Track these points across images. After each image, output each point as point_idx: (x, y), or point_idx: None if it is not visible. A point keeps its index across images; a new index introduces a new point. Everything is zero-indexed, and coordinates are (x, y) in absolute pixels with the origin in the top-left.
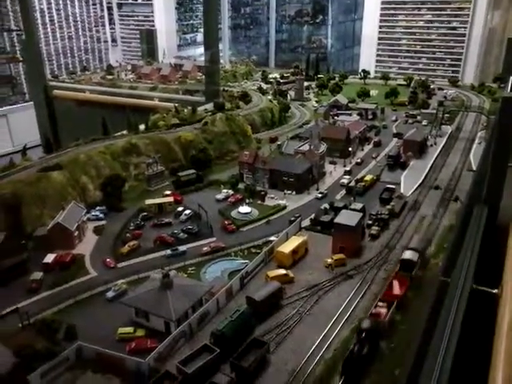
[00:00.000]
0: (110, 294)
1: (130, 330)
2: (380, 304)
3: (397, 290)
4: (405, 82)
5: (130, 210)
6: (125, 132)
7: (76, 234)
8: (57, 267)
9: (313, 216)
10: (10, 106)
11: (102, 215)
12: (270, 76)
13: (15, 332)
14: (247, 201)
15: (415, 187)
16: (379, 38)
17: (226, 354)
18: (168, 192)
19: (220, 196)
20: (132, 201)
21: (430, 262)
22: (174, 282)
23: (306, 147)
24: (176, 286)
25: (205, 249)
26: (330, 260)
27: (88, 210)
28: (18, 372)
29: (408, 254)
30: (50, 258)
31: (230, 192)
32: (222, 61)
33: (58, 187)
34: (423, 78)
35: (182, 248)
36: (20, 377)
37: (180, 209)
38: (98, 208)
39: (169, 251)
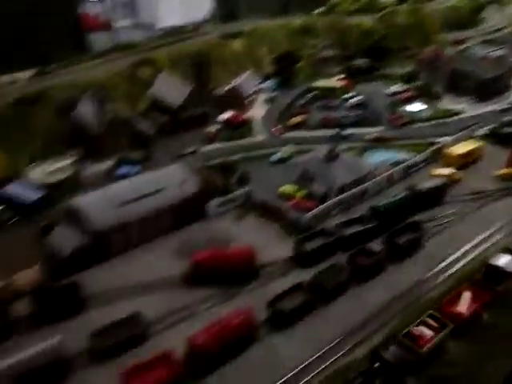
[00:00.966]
0: (275, 157)
1: (292, 189)
2: (430, 321)
3: (463, 306)
4: None
5: (300, 88)
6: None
7: (249, 99)
8: (230, 125)
9: (492, 126)
10: None
11: (273, 88)
12: None
13: (198, 169)
14: (420, 99)
15: None
16: None
17: (381, 229)
18: (339, 77)
19: (391, 90)
20: (303, 79)
21: None
22: (340, 156)
23: (498, 53)
24: (340, 160)
25: (369, 136)
26: (502, 171)
27: (261, 81)
28: (200, 199)
29: (502, 260)
30: (224, 115)
31: (404, 87)
32: None
33: (236, 55)
34: None
35: (345, 132)
36: (201, 203)
37: (349, 95)
38: (270, 80)
39: (333, 133)
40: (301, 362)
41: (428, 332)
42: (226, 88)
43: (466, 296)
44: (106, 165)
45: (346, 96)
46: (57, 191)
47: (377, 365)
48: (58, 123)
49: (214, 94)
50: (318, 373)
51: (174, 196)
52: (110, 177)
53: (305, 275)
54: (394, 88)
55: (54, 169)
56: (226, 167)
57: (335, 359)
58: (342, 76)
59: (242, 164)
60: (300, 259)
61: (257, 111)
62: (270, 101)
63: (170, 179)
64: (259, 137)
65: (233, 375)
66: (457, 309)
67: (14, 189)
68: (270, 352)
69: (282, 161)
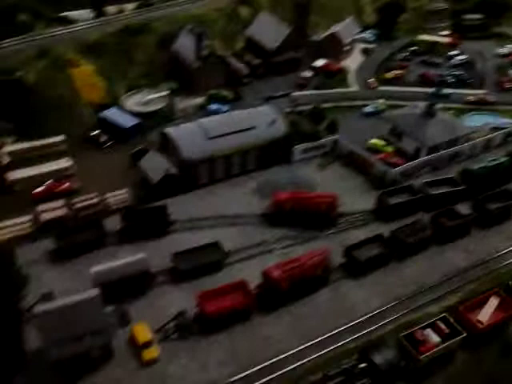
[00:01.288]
0: (367, 109)
1: (381, 142)
2: (441, 325)
3: (485, 314)
4: None
5: (401, 40)
6: None
7: (346, 48)
8: (323, 73)
9: None
10: None
11: (372, 38)
12: None
13: (288, 113)
14: None
15: None
16: None
17: (470, 193)
18: (445, 32)
19: (503, 50)
20: (405, 32)
21: None
22: (437, 114)
23: None
24: (438, 118)
25: (470, 98)
26: None
27: (360, 30)
28: (287, 142)
29: None
30: (319, 62)
31: None
32: None
33: (337, 1)
34: None
35: (446, 90)
36: (287, 146)
37: (454, 52)
38: (370, 31)
39: (432, 90)
40: (370, 311)
41: (435, 337)
42: (324, 34)
43: (493, 303)
44: (198, 99)
45: (450, 53)
46: (151, 120)
47: (362, 365)
48: (157, 55)
49: (310, 40)
50: (387, 322)
51: (262, 136)
52: (201, 111)
53: (384, 229)
54: (507, 49)
55: (149, 99)
56: (316, 114)
57: (404, 313)
58: (449, 32)
59: (332, 113)
60: (382, 212)
61: (353, 61)
62: (368, 52)
63: (260, 119)
64: (352, 87)
65: (302, 312)
66: (476, 316)
67: (111, 114)
68: (339, 296)
69: (373, 114)
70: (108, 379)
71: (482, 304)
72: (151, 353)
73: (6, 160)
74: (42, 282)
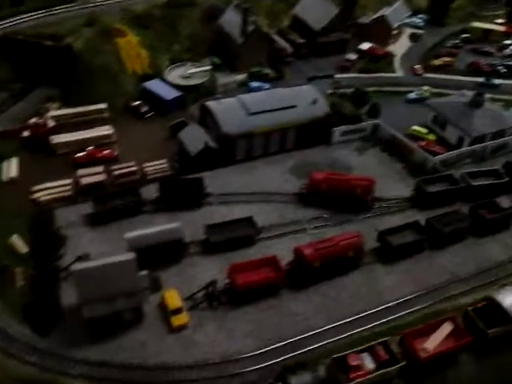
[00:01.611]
0: (411, 96)
1: (423, 130)
2: (379, 350)
3: (433, 342)
4: None
5: (452, 27)
6: None
7: (394, 32)
8: (368, 56)
9: None
10: None
11: (422, 24)
12: None
13: (330, 94)
14: None
15: None
16: None
17: None
18: (500, 21)
19: None
20: (457, 19)
21: None
22: (485, 104)
23: None
24: (485, 108)
25: None
26: None
27: (410, 15)
28: (327, 123)
29: (506, 299)
30: (365, 45)
31: None
32: None
33: None
34: None
35: (496, 81)
36: (327, 127)
37: (508, 42)
38: (420, 15)
39: (482, 80)
40: (399, 297)
41: (369, 363)
42: (372, 17)
43: (445, 330)
44: (240, 76)
45: (504, 43)
46: (192, 94)
47: None
48: (202, 29)
49: (357, 22)
50: (416, 310)
51: (303, 115)
52: (242, 88)
53: (419, 217)
54: None
55: (192, 72)
56: (358, 97)
57: (434, 302)
58: (504, 20)
59: (375, 97)
60: (419, 200)
61: (400, 46)
62: (416, 37)
63: (301, 99)
64: (397, 73)
65: (330, 292)
66: (422, 343)
67: (153, 86)
68: (369, 280)
69: (417, 100)
70: (137, 341)
71: (433, 330)
72: (180, 319)
73: (51, 124)
74: (78, 243)
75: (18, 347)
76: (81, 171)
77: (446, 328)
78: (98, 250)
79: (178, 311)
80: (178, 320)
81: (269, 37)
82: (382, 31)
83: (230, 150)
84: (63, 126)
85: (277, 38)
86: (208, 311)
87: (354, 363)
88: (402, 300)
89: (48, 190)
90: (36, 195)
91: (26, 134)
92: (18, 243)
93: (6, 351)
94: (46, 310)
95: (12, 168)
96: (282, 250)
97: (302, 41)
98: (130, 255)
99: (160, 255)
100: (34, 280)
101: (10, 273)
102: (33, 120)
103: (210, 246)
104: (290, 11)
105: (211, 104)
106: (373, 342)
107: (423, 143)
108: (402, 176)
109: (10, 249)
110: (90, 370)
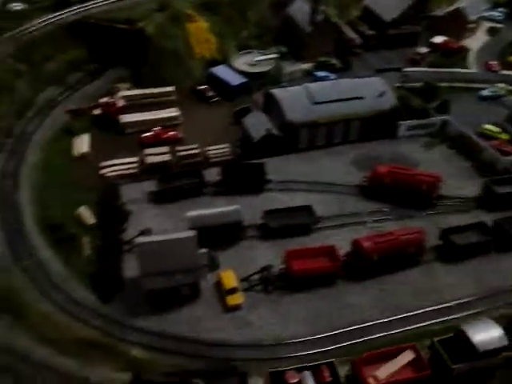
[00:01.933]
0: (484, 93)
1: (496, 129)
2: (324, 371)
3: (387, 370)
4: None
5: None
6: None
7: (470, 26)
8: (441, 50)
9: None
10: None
11: (501, 17)
12: None
13: (398, 87)
14: None
15: None
16: None
17: None
18: None
19: None
20: None
21: None
22: None
23: None
24: None
25: None
26: None
27: (488, 8)
28: (394, 116)
29: (480, 332)
30: (438, 39)
31: None
32: None
33: None
34: None
35: None
36: (393, 121)
37: None
38: (500, 9)
39: None
40: (460, 297)
41: (310, 383)
42: (448, 10)
43: (404, 358)
44: (306, 65)
45: None
46: (257, 81)
47: None
48: (270, 18)
49: (431, 15)
50: (477, 312)
51: (369, 107)
52: (308, 77)
53: (485, 218)
54: None
55: (258, 60)
56: (428, 91)
57: (500, 306)
58: None
59: (446, 92)
60: (486, 201)
61: (476, 41)
62: (494, 32)
63: (368, 90)
64: (471, 69)
65: (388, 287)
66: (374, 371)
67: (219, 71)
68: (429, 278)
69: (490, 98)
70: (192, 316)
71: (392, 357)
72: (235, 299)
73: (121, 104)
74: (141, 219)
75: (82, 311)
76: (147, 150)
77: (406, 357)
78: (159, 227)
79: (233, 291)
80: (232, 300)
81: (337, 27)
82: (458, 24)
83: (293, 138)
84: (132, 106)
85: (346, 28)
86: (262, 294)
87: (292, 381)
88: (463, 301)
89: (115, 166)
90: (104, 171)
91: (97, 112)
92: (86, 214)
93: (72, 314)
94: (110, 278)
95: (83, 144)
96: (340, 241)
97: (371, 32)
98: (191, 233)
99: (219, 236)
100: (100, 250)
101: (78, 241)
102: (104, 99)
103: (268, 231)
104: (361, 2)
105: (276, 91)
106: (318, 362)
107: (496, 142)
108: (469, 175)
109: (78, 219)
110: (147, 339)
